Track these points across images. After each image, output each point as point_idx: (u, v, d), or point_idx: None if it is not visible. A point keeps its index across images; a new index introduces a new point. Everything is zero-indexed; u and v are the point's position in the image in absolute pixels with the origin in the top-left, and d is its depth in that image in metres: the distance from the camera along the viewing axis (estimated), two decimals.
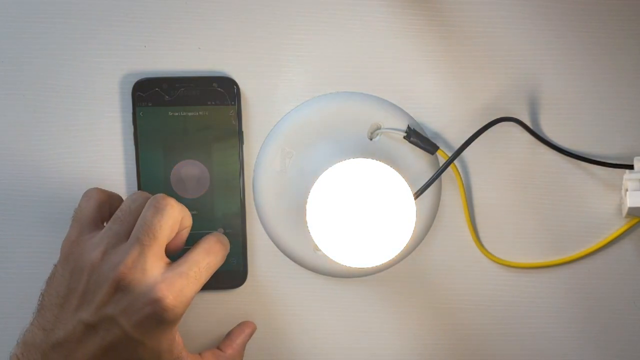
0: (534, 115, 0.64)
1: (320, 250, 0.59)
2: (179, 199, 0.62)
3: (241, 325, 0.63)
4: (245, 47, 0.63)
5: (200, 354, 0.60)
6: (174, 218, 0.55)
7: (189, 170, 0.63)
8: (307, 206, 0.58)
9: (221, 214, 0.63)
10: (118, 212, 0.56)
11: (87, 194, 0.58)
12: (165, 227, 0.54)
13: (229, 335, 0.63)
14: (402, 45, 0.63)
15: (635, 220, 0.64)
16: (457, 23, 0.63)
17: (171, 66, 0.63)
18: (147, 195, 0.57)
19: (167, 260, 0.56)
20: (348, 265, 0.58)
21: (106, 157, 0.63)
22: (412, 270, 0.65)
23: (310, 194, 0.58)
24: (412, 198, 0.58)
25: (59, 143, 0.63)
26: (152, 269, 0.54)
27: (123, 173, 0.63)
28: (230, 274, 0.64)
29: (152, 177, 0.63)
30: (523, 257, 0.65)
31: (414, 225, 0.58)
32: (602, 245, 0.64)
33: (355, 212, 0.57)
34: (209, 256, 0.56)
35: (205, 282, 0.56)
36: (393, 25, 0.63)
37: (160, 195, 0.56)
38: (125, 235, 0.55)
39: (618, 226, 0.64)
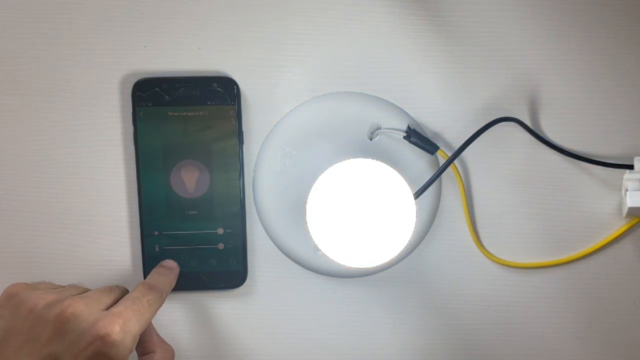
0: (534, 115, 0.64)
1: (320, 250, 0.59)
2: (179, 199, 0.63)
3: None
4: (245, 47, 0.63)
5: None
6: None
7: (189, 170, 0.63)
8: (307, 206, 0.58)
9: (221, 214, 0.63)
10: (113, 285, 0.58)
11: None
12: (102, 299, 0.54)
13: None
14: (402, 45, 0.63)
15: (635, 220, 0.64)
16: (457, 23, 0.63)
17: (171, 66, 0.63)
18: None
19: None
20: (348, 265, 0.58)
21: (106, 157, 0.63)
22: (412, 270, 0.65)
23: (310, 194, 0.58)
24: (412, 198, 0.58)
25: (59, 143, 0.63)
26: (94, 306, 0.52)
27: (123, 173, 0.63)
28: (230, 274, 0.64)
29: (152, 177, 0.63)
30: (523, 257, 0.65)
31: (414, 225, 0.58)
32: (602, 245, 0.64)
33: (355, 212, 0.57)
34: (150, 292, 0.56)
35: (149, 319, 0.55)
36: (393, 25, 0.63)
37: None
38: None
39: (618, 226, 0.64)
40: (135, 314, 0.53)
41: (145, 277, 0.63)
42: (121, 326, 0.51)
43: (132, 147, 0.63)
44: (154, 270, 0.61)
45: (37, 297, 0.52)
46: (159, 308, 0.57)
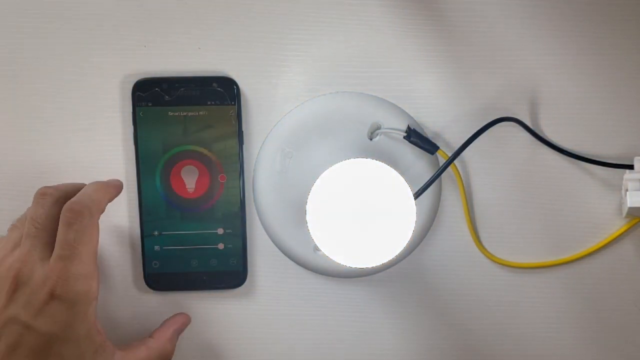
0: (534, 115, 0.64)
1: (320, 250, 0.59)
2: (179, 199, 0.63)
3: (175, 315, 0.63)
4: (245, 47, 0.63)
5: (129, 343, 0.60)
6: (49, 206, 0.55)
7: (189, 170, 0.63)
8: (307, 206, 0.58)
9: (221, 214, 0.63)
10: (15, 221, 0.57)
11: (43, 193, 0.57)
12: (52, 214, 0.55)
13: (162, 323, 0.63)
14: (402, 45, 0.63)
15: (635, 220, 0.64)
16: (457, 23, 0.63)
17: (171, 66, 0.63)
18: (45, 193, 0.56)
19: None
20: (348, 265, 0.58)
21: (106, 157, 0.63)
22: (412, 270, 0.65)
23: (310, 194, 0.58)
24: (412, 198, 0.58)
25: (59, 143, 0.63)
26: (42, 261, 0.54)
27: (123, 173, 0.63)
28: (230, 274, 0.64)
29: (151, 177, 0.63)
30: (523, 257, 0.65)
31: (414, 225, 0.58)
32: (602, 245, 0.64)
33: (355, 212, 0.57)
34: (71, 228, 0.54)
35: (92, 250, 0.54)
36: (393, 25, 0.63)
37: (38, 192, 0.56)
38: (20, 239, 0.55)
39: (618, 226, 0.64)
40: (68, 259, 0.53)
41: (145, 277, 0.63)
42: (58, 273, 0.52)
43: (132, 147, 0.63)
44: (64, 207, 0.55)
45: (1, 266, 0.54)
46: (91, 229, 0.54)
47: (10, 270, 0.53)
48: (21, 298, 0.53)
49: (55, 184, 0.58)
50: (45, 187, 0.57)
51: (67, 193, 0.56)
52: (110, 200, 0.58)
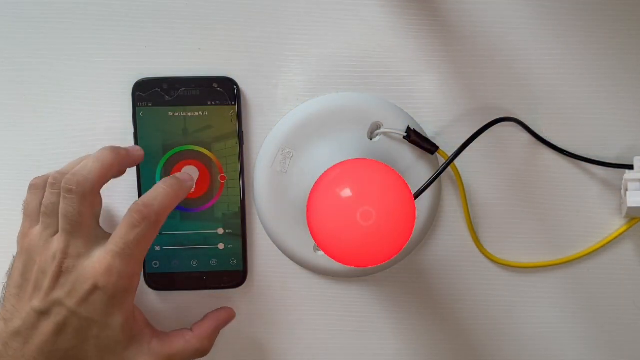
0: (534, 115, 0.64)
1: (320, 250, 0.59)
2: None
3: (219, 309, 0.63)
4: (245, 47, 0.63)
5: (169, 333, 0.61)
6: (85, 198, 0.56)
7: (189, 170, 0.63)
8: (307, 206, 0.58)
9: (221, 214, 0.63)
10: (43, 208, 0.58)
11: (32, 186, 0.59)
12: (82, 211, 0.56)
13: (204, 317, 0.63)
14: (402, 45, 0.63)
15: (635, 220, 0.64)
16: (457, 23, 0.63)
17: (171, 66, 0.63)
18: (64, 174, 0.57)
19: (105, 235, 0.58)
20: (348, 265, 0.58)
21: None
22: (412, 270, 0.65)
23: (310, 194, 0.58)
24: (412, 198, 0.58)
25: (59, 143, 0.63)
26: (85, 251, 0.56)
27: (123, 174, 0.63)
28: (230, 274, 0.64)
29: (152, 177, 0.63)
30: (523, 257, 0.65)
31: (414, 225, 0.58)
32: (602, 245, 0.64)
33: (355, 212, 0.57)
34: (134, 230, 0.56)
35: (144, 252, 0.57)
36: (393, 25, 0.63)
37: (67, 180, 0.56)
38: (57, 224, 0.57)
39: (618, 226, 0.64)
40: (119, 256, 0.56)
41: (145, 277, 0.63)
42: (104, 269, 0.55)
43: None
44: (133, 207, 0.57)
45: (41, 246, 0.57)
46: (152, 233, 0.57)
47: (55, 259, 0.56)
48: (66, 285, 0.56)
49: (42, 184, 0.59)
50: (58, 174, 0.57)
51: (81, 183, 0.56)
52: (178, 203, 0.59)
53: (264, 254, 0.65)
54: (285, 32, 0.63)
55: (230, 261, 0.64)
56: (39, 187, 0.59)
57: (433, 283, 0.65)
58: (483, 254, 0.65)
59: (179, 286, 0.64)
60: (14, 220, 0.64)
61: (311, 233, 0.58)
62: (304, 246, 0.63)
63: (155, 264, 0.63)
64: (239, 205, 0.63)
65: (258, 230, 0.64)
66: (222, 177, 0.63)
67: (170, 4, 0.63)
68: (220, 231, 0.63)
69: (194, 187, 0.62)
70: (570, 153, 0.63)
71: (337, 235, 0.57)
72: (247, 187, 0.64)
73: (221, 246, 0.63)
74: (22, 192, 0.63)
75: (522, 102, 0.64)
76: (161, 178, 0.63)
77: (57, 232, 0.57)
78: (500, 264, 0.65)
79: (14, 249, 0.64)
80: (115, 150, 0.58)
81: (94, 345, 0.57)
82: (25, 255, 0.57)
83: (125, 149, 0.59)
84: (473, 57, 0.63)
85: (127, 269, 0.56)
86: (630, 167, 0.62)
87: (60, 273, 0.56)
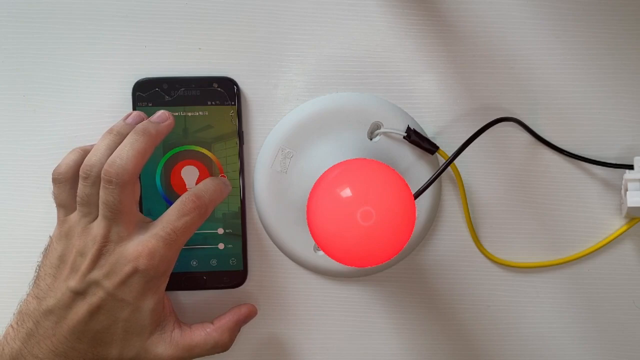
0: (534, 115, 0.64)
1: (320, 250, 0.59)
2: None
3: (241, 306, 0.63)
4: (245, 47, 0.63)
5: (191, 324, 0.61)
6: (125, 187, 0.57)
7: (189, 170, 0.63)
8: (307, 206, 0.58)
9: (221, 214, 0.63)
10: (78, 199, 0.58)
11: (55, 179, 0.59)
12: (123, 199, 0.57)
13: (226, 312, 0.63)
14: (402, 45, 0.63)
15: (635, 220, 0.64)
16: (457, 23, 0.63)
17: (171, 66, 0.63)
18: (96, 166, 0.58)
19: (144, 220, 0.59)
20: (348, 265, 0.58)
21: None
22: (412, 270, 0.65)
23: (310, 194, 0.58)
24: (412, 198, 0.58)
25: (59, 143, 0.63)
26: (127, 235, 0.57)
27: None
28: (230, 274, 0.64)
29: (152, 178, 0.63)
30: (523, 257, 0.65)
31: (414, 225, 0.58)
32: (602, 245, 0.64)
33: (355, 212, 0.57)
34: (183, 217, 0.58)
35: (186, 240, 0.58)
36: (393, 25, 0.63)
37: (105, 172, 0.57)
38: (96, 211, 0.58)
39: (618, 226, 0.64)
40: (163, 241, 0.57)
41: None
42: (148, 253, 0.57)
43: None
44: (186, 196, 0.59)
45: (82, 234, 0.58)
46: (198, 224, 0.58)
47: (95, 243, 0.57)
48: (105, 267, 0.57)
49: (65, 176, 0.59)
50: (86, 166, 0.58)
51: (120, 174, 0.57)
52: (220, 202, 0.61)
53: (264, 254, 0.65)
54: (285, 32, 0.63)
55: (230, 261, 0.64)
56: (62, 179, 0.59)
57: (433, 283, 0.65)
58: (483, 254, 0.65)
59: (179, 286, 0.64)
60: (15, 220, 0.64)
61: (311, 233, 0.58)
62: (304, 246, 0.63)
63: None
64: (239, 205, 0.63)
65: (258, 230, 0.64)
66: (222, 177, 0.63)
67: (171, 4, 0.63)
68: (220, 231, 0.63)
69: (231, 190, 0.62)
70: (570, 153, 0.63)
71: (337, 235, 0.57)
72: (247, 187, 0.64)
73: (221, 246, 0.64)
74: (23, 192, 0.64)
75: (522, 102, 0.64)
76: (161, 178, 0.63)
77: (95, 218, 0.58)
78: (500, 264, 0.65)
79: (14, 249, 0.64)
80: (147, 133, 0.58)
81: (121, 328, 0.57)
82: (64, 239, 0.58)
83: (155, 127, 0.59)
84: (473, 57, 0.63)
85: (168, 254, 0.57)
86: (630, 167, 0.62)
87: (100, 256, 0.57)
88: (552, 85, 0.64)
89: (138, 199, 0.59)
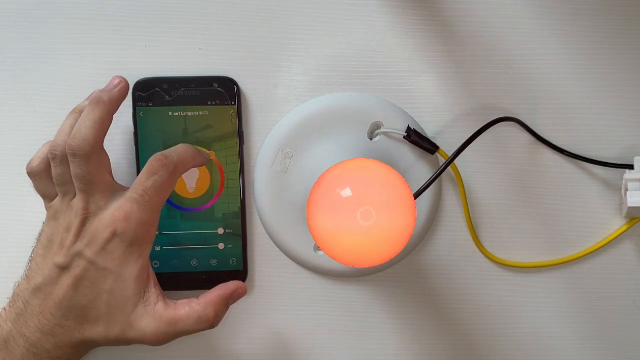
0: (534, 115, 0.64)
1: (320, 250, 0.59)
2: (179, 199, 0.63)
3: (229, 282, 0.61)
4: (245, 47, 0.63)
5: (175, 301, 0.60)
6: (90, 157, 0.57)
7: (189, 170, 0.63)
8: (307, 206, 0.58)
9: (221, 214, 0.63)
10: (54, 180, 0.59)
11: (30, 173, 0.60)
12: (91, 170, 0.58)
13: (214, 287, 0.61)
14: (402, 45, 0.63)
15: (635, 220, 0.64)
16: (457, 23, 0.63)
17: (171, 66, 0.63)
18: (60, 145, 0.58)
19: (121, 188, 0.59)
20: (348, 265, 0.58)
21: None
22: (412, 270, 0.65)
23: (310, 193, 0.58)
24: (412, 198, 0.58)
25: None
26: (104, 204, 0.58)
27: (123, 173, 0.63)
28: (230, 274, 0.64)
29: None
30: (523, 257, 0.65)
31: (414, 225, 0.58)
32: (602, 245, 0.64)
33: (355, 212, 0.57)
34: (152, 177, 0.58)
35: (161, 201, 0.58)
36: (393, 25, 0.63)
37: (68, 146, 0.58)
38: (73, 188, 0.59)
39: (618, 226, 0.64)
40: (137, 202, 0.57)
41: None
42: (124, 215, 0.57)
43: (132, 147, 0.63)
44: (154, 156, 0.59)
45: (66, 212, 0.59)
46: (169, 182, 0.58)
47: (77, 216, 0.58)
48: (86, 237, 0.57)
49: (38, 167, 0.60)
50: (52, 147, 0.59)
51: (81, 145, 0.57)
52: (195, 166, 0.61)
53: (264, 254, 0.65)
54: (285, 32, 0.63)
55: (230, 261, 0.64)
56: (37, 171, 0.60)
57: (433, 283, 0.65)
58: (483, 254, 0.65)
59: (179, 286, 0.64)
60: (15, 219, 0.64)
61: (311, 233, 0.58)
62: (304, 246, 0.63)
63: (155, 263, 0.63)
64: (239, 205, 0.63)
65: (258, 230, 0.64)
66: (222, 177, 0.63)
67: (170, 4, 0.63)
68: (220, 231, 0.63)
69: (209, 161, 0.63)
70: (570, 153, 0.63)
71: (337, 235, 0.57)
72: (247, 187, 0.64)
73: (221, 246, 0.63)
74: (23, 192, 0.63)
75: (522, 102, 0.64)
76: None
77: (75, 195, 0.58)
78: (500, 264, 0.65)
79: (14, 248, 0.64)
80: (100, 101, 0.59)
81: (105, 302, 0.57)
82: (52, 220, 0.59)
83: (107, 94, 0.59)
84: (473, 57, 0.63)
85: (144, 215, 0.57)
86: (631, 167, 0.62)
87: (82, 228, 0.58)
88: (552, 85, 0.64)
89: (109, 168, 0.60)
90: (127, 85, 0.60)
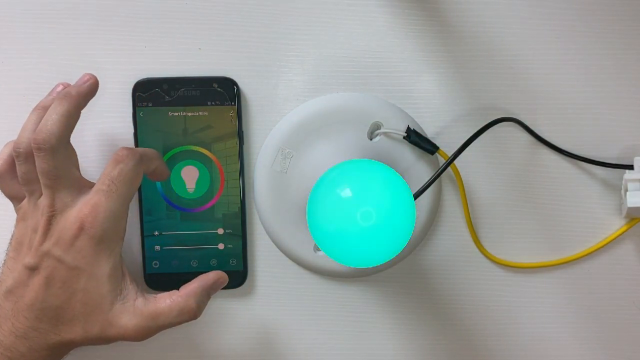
0: (534, 115, 0.64)
1: (320, 250, 0.59)
2: (179, 199, 0.63)
3: (209, 272, 0.61)
4: (245, 47, 0.63)
5: (156, 294, 0.60)
6: (56, 151, 0.56)
7: (189, 170, 0.63)
8: (307, 206, 0.58)
9: (221, 214, 0.63)
10: (20, 179, 0.58)
11: None
12: (58, 164, 0.56)
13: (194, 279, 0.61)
14: (402, 45, 0.63)
15: (635, 221, 0.64)
16: (457, 23, 0.63)
17: (171, 66, 0.63)
18: (24, 142, 0.58)
19: (89, 185, 0.58)
20: (348, 265, 0.58)
21: (106, 158, 0.63)
22: (412, 270, 0.65)
23: (310, 194, 0.58)
24: (412, 198, 0.58)
25: None
26: (71, 200, 0.57)
27: None
28: (230, 274, 0.63)
29: None
30: (523, 257, 0.65)
31: (414, 225, 0.58)
32: (602, 245, 0.64)
33: (355, 212, 0.57)
34: (117, 166, 0.57)
35: (130, 192, 0.57)
36: (393, 26, 0.63)
37: (34, 140, 0.57)
38: (39, 186, 0.58)
39: (618, 226, 0.64)
40: (104, 194, 0.56)
41: (145, 277, 0.64)
42: (90, 208, 0.56)
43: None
44: (119, 149, 0.58)
45: (33, 212, 0.58)
46: (135, 170, 0.57)
47: (43, 215, 0.57)
48: (54, 235, 0.56)
49: (1, 169, 0.60)
50: (16, 145, 0.58)
51: (47, 139, 0.57)
52: (158, 169, 0.60)
53: (264, 254, 0.65)
54: (285, 32, 0.63)
55: (230, 261, 0.64)
56: (0, 172, 0.59)
57: (433, 283, 0.65)
58: (483, 254, 0.65)
59: (179, 286, 0.63)
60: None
61: (311, 233, 0.58)
62: (304, 246, 0.63)
63: (155, 264, 0.63)
64: (239, 205, 0.63)
65: (258, 230, 0.64)
66: (222, 177, 0.63)
67: (170, 4, 0.63)
68: (220, 231, 0.63)
69: (168, 176, 0.62)
70: (570, 153, 0.63)
71: (337, 235, 0.57)
72: (247, 187, 0.64)
73: (221, 246, 0.64)
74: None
75: (522, 102, 0.64)
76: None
77: (39, 196, 0.58)
78: (500, 264, 0.65)
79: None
80: (68, 95, 0.58)
81: (80, 302, 0.56)
82: (21, 222, 0.58)
83: (76, 89, 0.59)
84: (473, 57, 0.63)
85: (112, 206, 0.56)
86: (630, 167, 0.62)
87: (49, 226, 0.56)
88: (552, 85, 0.64)
89: (77, 164, 0.59)
90: (97, 82, 0.59)
